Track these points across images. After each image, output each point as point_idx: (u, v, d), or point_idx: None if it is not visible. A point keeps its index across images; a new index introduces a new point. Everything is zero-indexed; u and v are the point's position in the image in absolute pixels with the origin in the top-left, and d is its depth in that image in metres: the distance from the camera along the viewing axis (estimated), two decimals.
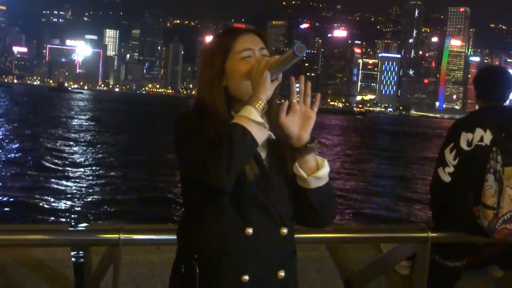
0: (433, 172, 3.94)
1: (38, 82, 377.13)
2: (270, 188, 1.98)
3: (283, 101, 1.95)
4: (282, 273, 1.99)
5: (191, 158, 1.87)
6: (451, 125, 3.98)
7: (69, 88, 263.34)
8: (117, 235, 3.05)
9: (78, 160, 26.07)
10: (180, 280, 1.99)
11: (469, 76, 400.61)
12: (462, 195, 3.83)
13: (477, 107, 4.06)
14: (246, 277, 1.93)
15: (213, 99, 2.00)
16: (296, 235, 2.12)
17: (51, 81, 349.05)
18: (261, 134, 1.86)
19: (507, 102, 4.14)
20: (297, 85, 1.92)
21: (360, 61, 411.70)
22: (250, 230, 1.93)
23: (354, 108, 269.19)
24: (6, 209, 14.83)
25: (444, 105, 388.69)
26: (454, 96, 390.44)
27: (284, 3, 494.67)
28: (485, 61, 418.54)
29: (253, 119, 1.83)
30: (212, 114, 1.96)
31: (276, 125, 2.00)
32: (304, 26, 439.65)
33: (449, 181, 3.81)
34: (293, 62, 1.88)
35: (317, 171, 1.97)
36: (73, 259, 3.77)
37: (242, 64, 1.99)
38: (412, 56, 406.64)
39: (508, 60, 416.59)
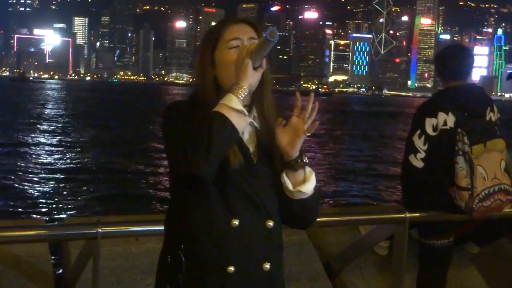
0: (403, 160, 3.94)
1: (8, 73, 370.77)
2: (257, 181, 1.99)
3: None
4: (267, 266, 2.00)
5: (173, 146, 1.91)
6: (416, 111, 4.00)
7: (30, 78, 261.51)
8: (95, 229, 3.03)
9: (51, 152, 25.73)
10: (166, 269, 2.01)
11: None
12: (437, 177, 3.86)
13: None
14: (232, 268, 1.94)
15: (203, 88, 2.02)
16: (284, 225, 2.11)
17: (20, 72, 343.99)
18: (241, 121, 1.85)
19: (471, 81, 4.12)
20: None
21: (331, 42, 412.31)
22: (236, 222, 1.94)
23: (319, 89, 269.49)
24: None
25: (416, 84, 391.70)
26: (426, 75, 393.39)
27: None
28: (455, 38, 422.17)
29: (232, 107, 1.83)
30: (202, 103, 1.98)
31: (267, 115, 2.04)
32: (275, 8, 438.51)
33: (422, 166, 3.83)
34: (269, 48, 1.87)
35: (303, 184, 1.99)
36: (51, 253, 3.73)
37: (229, 53, 2.00)
38: (383, 36, 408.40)
39: (478, 37, 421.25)
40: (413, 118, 3.98)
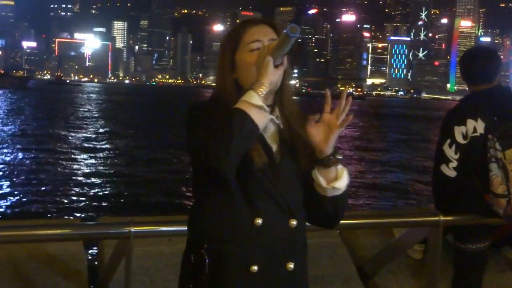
0: (434, 170, 3.86)
1: (49, 76, 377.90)
2: (280, 180, 1.98)
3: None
4: (291, 265, 1.99)
5: (195, 142, 1.91)
6: (444, 119, 3.91)
7: (67, 81, 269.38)
8: (128, 228, 3.07)
9: (87, 154, 26.08)
10: (190, 269, 2.00)
11: None
12: (472, 184, 3.79)
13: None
14: (255, 268, 1.93)
15: (224, 89, 2.03)
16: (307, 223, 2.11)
17: (58, 75, 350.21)
18: (261, 117, 1.85)
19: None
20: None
21: (369, 45, 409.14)
22: (259, 221, 1.94)
23: (354, 93, 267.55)
24: (18, 205, 14.90)
25: (455, 87, 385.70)
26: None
27: None
28: (495, 41, 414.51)
29: (252, 103, 1.84)
30: (223, 104, 1.97)
31: (289, 114, 2.05)
32: (312, 11, 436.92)
33: (455, 175, 3.75)
34: (291, 44, 1.87)
35: (336, 181, 1.98)
36: (85, 253, 3.79)
37: (250, 55, 2.01)
38: (422, 39, 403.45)
39: None
40: (441, 126, 3.89)
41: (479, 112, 3.75)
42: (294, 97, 2.10)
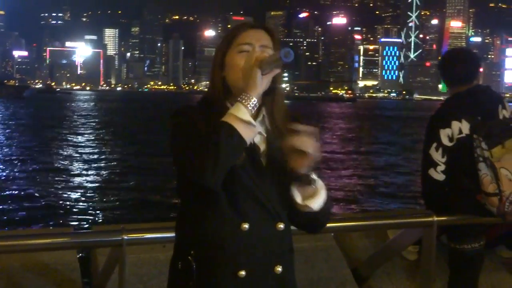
0: (422, 176, 3.87)
1: (40, 85, 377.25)
2: (266, 184, 1.97)
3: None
4: (279, 268, 1.98)
5: (180, 153, 1.90)
6: (428, 123, 3.91)
7: (57, 90, 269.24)
8: (121, 236, 3.06)
9: (78, 162, 26.00)
10: (177, 276, 1.99)
11: None
12: (463, 185, 3.80)
13: (439, 87, 4.12)
14: (243, 272, 1.92)
15: (213, 88, 2.04)
16: None
17: (53, 84, 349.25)
18: (249, 132, 1.84)
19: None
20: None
21: (360, 47, 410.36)
22: (246, 225, 1.92)
23: (344, 95, 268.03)
24: (11, 215, 14.81)
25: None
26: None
27: None
28: (486, 41, 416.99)
29: (241, 118, 1.82)
30: (211, 105, 1.99)
31: (278, 120, 2.03)
32: (303, 15, 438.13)
33: (443, 179, 3.77)
34: (281, 65, 1.88)
35: (312, 199, 1.96)
36: (79, 261, 3.78)
37: (238, 57, 2.00)
38: (413, 40, 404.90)
39: (509, 38, 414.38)
40: (426, 130, 3.90)
41: (463, 113, 3.75)
42: (284, 100, 2.08)
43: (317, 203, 1.95)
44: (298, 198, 1.95)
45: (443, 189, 3.81)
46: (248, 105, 1.85)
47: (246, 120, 1.82)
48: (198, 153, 1.81)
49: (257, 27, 2.05)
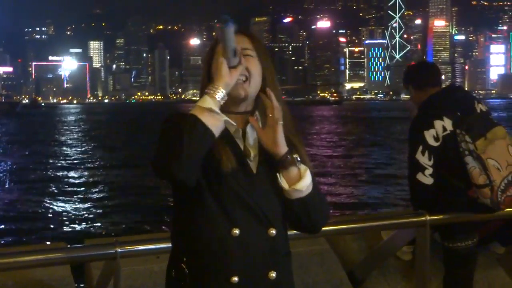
0: (410, 181, 3.87)
1: (27, 101, 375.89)
2: (255, 188, 1.96)
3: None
4: (273, 274, 1.96)
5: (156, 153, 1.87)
6: (410, 128, 3.95)
7: (42, 104, 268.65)
8: (114, 249, 3.05)
9: (68, 176, 25.90)
10: (171, 284, 2.00)
11: (455, 55, 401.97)
12: (453, 183, 3.81)
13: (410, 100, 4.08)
14: (236, 279, 1.91)
15: (200, 95, 1.98)
16: (295, 231, 2.12)
17: (39, 99, 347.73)
18: (213, 121, 1.81)
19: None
20: None
21: (346, 50, 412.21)
22: (236, 231, 1.92)
23: (330, 98, 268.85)
24: (2, 232, 14.70)
25: None
26: (443, 77, 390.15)
27: None
28: (469, 38, 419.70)
29: (203, 106, 1.81)
30: None
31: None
32: (287, 20, 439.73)
33: (431, 182, 3.77)
34: (230, 36, 1.84)
35: (298, 182, 1.95)
36: (73, 276, 3.77)
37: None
38: (397, 40, 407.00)
39: (493, 35, 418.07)
40: (409, 137, 3.92)
41: (443, 111, 3.79)
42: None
43: (303, 184, 1.95)
44: (285, 184, 1.95)
45: (432, 192, 3.81)
46: (215, 95, 1.83)
47: (208, 108, 1.81)
48: (164, 148, 1.81)
49: (236, 33, 1.96)
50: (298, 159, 1.97)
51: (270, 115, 1.92)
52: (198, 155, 1.81)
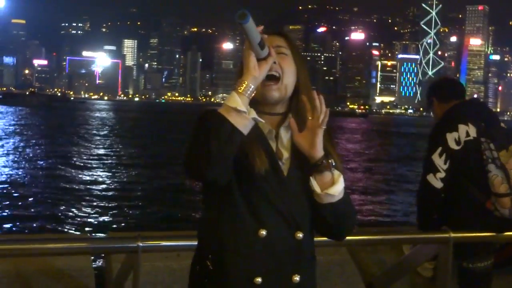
0: (421, 180, 3.82)
1: (59, 94, 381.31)
2: (285, 190, 1.96)
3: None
4: (297, 278, 1.96)
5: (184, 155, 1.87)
6: (432, 130, 3.90)
7: (71, 98, 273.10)
8: (136, 242, 3.06)
9: (95, 170, 26.18)
10: (195, 279, 2.01)
11: (489, 75, 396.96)
12: (469, 195, 3.73)
13: (432, 114, 4.07)
14: (259, 279, 1.91)
15: None
16: (317, 239, 2.10)
17: (71, 93, 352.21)
18: (241, 120, 1.80)
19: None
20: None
21: (378, 63, 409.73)
22: (263, 232, 1.91)
23: (356, 110, 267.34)
24: (26, 219, 14.95)
25: None
26: (475, 95, 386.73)
27: (300, 7, 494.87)
28: (505, 59, 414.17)
29: (231, 106, 1.80)
30: None
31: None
32: (321, 29, 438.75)
33: (441, 187, 3.71)
34: (253, 29, 1.80)
35: (330, 187, 1.95)
36: (93, 267, 3.80)
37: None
38: (431, 57, 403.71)
39: None
40: (430, 137, 3.87)
41: (469, 117, 3.76)
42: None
43: (336, 189, 1.95)
44: (317, 188, 1.95)
45: (438, 197, 3.76)
46: (243, 92, 1.82)
47: (235, 107, 1.79)
48: (193, 148, 1.80)
49: (269, 33, 2.00)
50: (333, 164, 1.97)
51: (311, 118, 1.91)
52: (227, 154, 1.80)
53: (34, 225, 14.29)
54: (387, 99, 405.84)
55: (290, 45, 2.03)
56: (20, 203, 17.07)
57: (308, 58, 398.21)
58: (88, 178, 23.55)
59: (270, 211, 1.93)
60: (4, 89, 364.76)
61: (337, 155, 2.04)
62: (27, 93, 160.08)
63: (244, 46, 1.89)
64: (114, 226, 14.79)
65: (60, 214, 15.89)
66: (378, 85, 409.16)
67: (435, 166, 3.71)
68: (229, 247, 1.92)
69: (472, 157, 3.67)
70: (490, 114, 3.92)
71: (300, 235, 1.96)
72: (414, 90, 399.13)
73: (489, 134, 3.68)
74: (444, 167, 3.69)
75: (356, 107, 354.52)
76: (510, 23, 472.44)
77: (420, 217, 3.96)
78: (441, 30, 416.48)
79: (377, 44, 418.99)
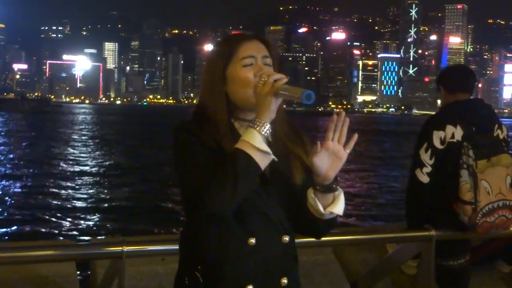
0: (409, 174, 3.87)
1: (40, 98, 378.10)
2: (271, 196, 1.96)
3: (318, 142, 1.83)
4: (285, 280, 1.98)
5: (193, 180, 1.84)
6: (423, 124, 3.94)
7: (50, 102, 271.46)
8: (120, 248, 3.05)
9: (78, 175, 26.05)
10: None
11: None
12: (441, 193, 3.79)
13: (438, 102, 4.26)
14: (250, 287, 1.92)
15: (213, 104, 1.96)
16: (301, 240, 2.08)
17: (52, 97, 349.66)
18: (265, 161, 1.82)
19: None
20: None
21: (359, 62, 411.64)
22: (253, 240, 1.92)
23: (334, 109, 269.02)
24: (9, 226, 14.83)
25: None
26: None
27: (281, 8, 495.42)
28: (484, 56, 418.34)
29: (258, 147, 1.80)
30: (212, 121, 1.94)
31: (280, 131, 2.01)
32: (302, 30, 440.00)
33: (427, 181, 3.76)
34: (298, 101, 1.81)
35: (333, 206, 1.94)
36: (78, 274, 3.76)
37: (243, 71, 1.96)
38: (411, 55, 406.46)
39: (508, 54, 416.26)
40: (420, 132, 3.91)
41: (459, 120, 3.77)
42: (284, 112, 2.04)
43: (340, 208, 1.94)
44: (321, 208, 1.93)
45: (425, 192, 3.80)
46: (263, 132, 1.82)
47: (264, 150, 1.81)
48: (215, 183, 1.78)
49: (252, 38, 2.02)
50: (338, 183, 1.95)
51: (331, 140, 1.83)
52: (246, 193, 1.84)
53: (17, 232, 14.17)
54: (369, 98, 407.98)
55: (272, 54, 2.03)
56: (1, 211, 16.93)
57: (290, 59, 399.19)
58: (70, 183, 23.40)
59: (259, 219, 1.94)
60: None
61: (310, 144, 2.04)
62: (19, 98, 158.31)
63: (264, 84, 1.86)
64: (98, 230, 14.73)
65: (42, 220, 15.74)
66: (360, 84, 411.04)
67: (422, 161, 3.76)
68: (218, 257, 1.92)
69: (450, 159, 3.71)
70: (487, 120, 3.90)
71: (286, 238, 1.99)
72: (395, 89, 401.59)
73: (475, 140, 3.69)
74: (430, 162, 3.74)
75: (340, 106, 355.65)
76: (489, 21, 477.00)
77: (407, 212, 4.00)
78: (421, 29, 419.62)
79: (358, 43, 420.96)
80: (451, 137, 3.72)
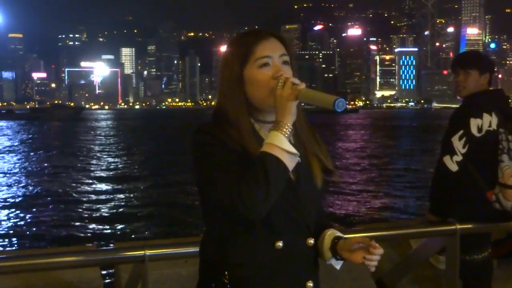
0: (438, 161, 3.79)
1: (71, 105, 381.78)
2: (297, 199, 1.94)
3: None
4: (310, 284, 1.97)
5: (219, 184, 1.81)
6: (456, 111, 3.87)
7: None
8: (143, 251, 3.09)
9: (100, 180, 26.19)
10: None
11: None
12: (474, 183, 3.75)
13: (456, 94, 4.01)
14: None
15: (234, 108, 1.93)
16: None
17: (72, 104, 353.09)
18: (293, 163, 1.82)
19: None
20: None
21: (377, 57, 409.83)
22: (280, 244, 1.90)
23: (347, 106, 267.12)
24: (34, 234, 14.98)
25: None
26: None
27: (296, 6, 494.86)
28: (503, 47, 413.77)
29: (286, 150, 1.80)
30: (233, 123, 1.91)
31: (302, 134, 2.01)
32: (317, 27, 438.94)
33: (456, 170, 3.68)
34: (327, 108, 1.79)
35: (336, 263, 2.02)
36: (102, 278, 3.79)
37: (259, 72, 1.92)
38: (429, 48, 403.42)
39: None
40: (452, 118, 3.83)
41: (493, 108, 3.76)
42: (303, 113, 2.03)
43: (340, 264, 2.02)
44: (325, 256, 2.01)
45: (452, 181, 3.73)
46: (287, 135, 1.81)
47: (293, 152, 1.80)
48: (246, 186, 1.76)
49: (269, 36, 1.97)
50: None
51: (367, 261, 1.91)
52: (278, 195, 1.82)
53: (41, 238, 14.29)
54: (387, 93, 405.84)
55: (289, 52, 1.99)
56: (25, 217, 17.08)
57: (306, 57, 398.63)
58: (91, 188, 23.55)
59: (286, 222, 1.92)
60: (5, 104, 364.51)
61: (324, 148, 2.07)
62: (56, 107, 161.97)
63: (285, 86, 1.84)
64: (121, 235, 14.80)
65: (66, 226, 15.87)
66: (378, 79, 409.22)
67: (454, 149, 3.68)
68: (246, 261, 1.90)
69: (489, 147, 3.69)
70: (509, 106, 3.92)
71: (311, 241, 1.98)
72: (414, 83, 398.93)
73: (508, 127, 3.70)
74: (462, 151, 3.68)
75: (358, 103, 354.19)
76: (507, 10, 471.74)
77: (431, 200, 3.93)
78: (438, 21, 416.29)
79: (374, 38, 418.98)
80: (489, 126, 3.70)
